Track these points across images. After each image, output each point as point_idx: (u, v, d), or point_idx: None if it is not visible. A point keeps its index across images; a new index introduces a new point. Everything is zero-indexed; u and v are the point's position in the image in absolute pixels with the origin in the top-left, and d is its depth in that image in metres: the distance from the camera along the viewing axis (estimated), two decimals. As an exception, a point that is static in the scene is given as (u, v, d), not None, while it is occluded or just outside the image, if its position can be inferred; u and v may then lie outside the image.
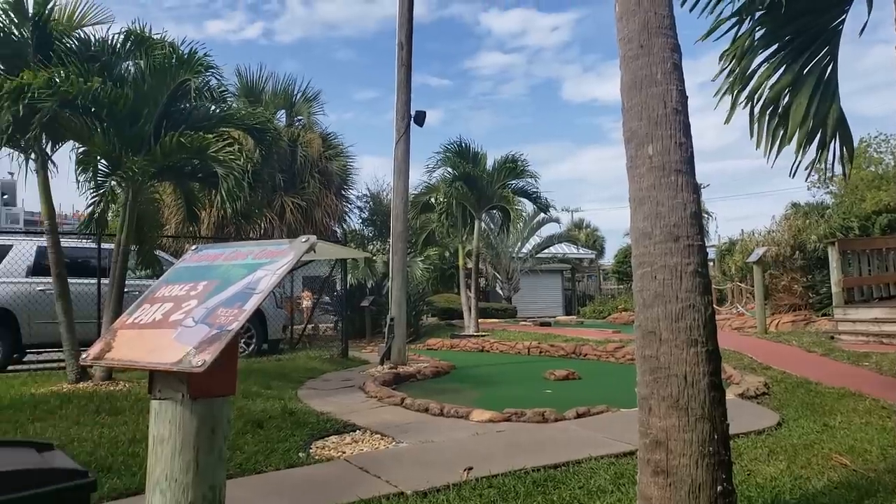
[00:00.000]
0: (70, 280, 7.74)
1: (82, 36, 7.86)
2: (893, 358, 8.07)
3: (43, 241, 8.64)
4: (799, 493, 3.48)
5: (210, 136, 7.88)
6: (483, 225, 18.99)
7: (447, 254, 22.77)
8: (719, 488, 2.61)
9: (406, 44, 10.62)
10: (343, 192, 19.65)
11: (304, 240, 1.67)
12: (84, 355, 1.71)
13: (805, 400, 6.03)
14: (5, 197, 31.95)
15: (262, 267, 1.64)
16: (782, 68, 4.42)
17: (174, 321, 1.61)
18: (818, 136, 4.33)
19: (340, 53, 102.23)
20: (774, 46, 4.42)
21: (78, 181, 8.02)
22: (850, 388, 6.36)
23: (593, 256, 35.87)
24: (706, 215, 36.77)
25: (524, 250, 25.74)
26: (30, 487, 1.81)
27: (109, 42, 7.91)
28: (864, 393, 6.13)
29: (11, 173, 23.79)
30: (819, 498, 3.40)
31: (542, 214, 22.07)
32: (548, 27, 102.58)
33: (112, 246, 8.18)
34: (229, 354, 1.50)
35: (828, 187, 26.81)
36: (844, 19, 4.23)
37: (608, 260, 38.48)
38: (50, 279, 7.80)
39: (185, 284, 1.75)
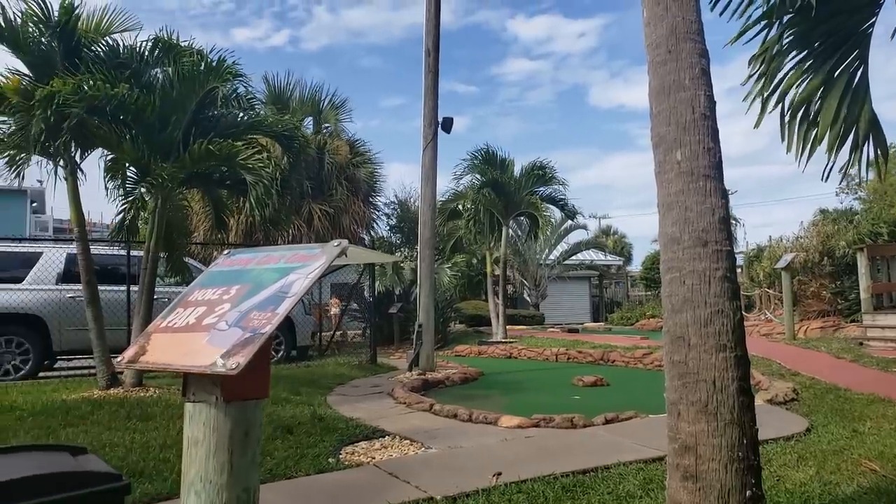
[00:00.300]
0: (100, 287, 7.85)
1: (111, 43, 7.98)
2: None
3: (72, 248, 8.80)
4: (828, 499, 3.44)
5: (239, 143, 7.99)
6: (510, 232, 18.95)
7: (475, 261, 22.77)
8: (748, 493, 2.58)
9: (433, 50, 10.68)
10: (370, 199, 19.76)
11: (335, 244, 1.70)
12: (119, 358, 1.76)
13: (834, 406, 5.95)
14: (34, 205, 32.48)
15: (294, 271, 1.67)
16: (812, 71, 4.37)
17: (207, 325, 1.64)
18: (850, 138, 4.27)
19: (367, 60, 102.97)
20: (804, 49, 4.37)
21: (107, 188, 8.19)
22: (880, 394, 6.28)
23: (621, 263, 35.58)
24: (734, 221, 36.25)
25: (552, 257, 25.62)
26: (65, 490, 1.85)
27: (138, 49, 8.02)
28: (893, 399, 6.05)
29: (40, 181, 23.99)
30: (849, 504, 3.35)
31: (570, 221, 21.98)
32: (574, 33, 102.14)
33: (141, 253, 8.31)
34: (262, 357, 1.53)
35: (857, 193, 26.29)
36: (874, 22, 4.18)
37: (636, 266, 38.12)
38: (79, 286, 7.93)
39: (218, 288, 1.78)
